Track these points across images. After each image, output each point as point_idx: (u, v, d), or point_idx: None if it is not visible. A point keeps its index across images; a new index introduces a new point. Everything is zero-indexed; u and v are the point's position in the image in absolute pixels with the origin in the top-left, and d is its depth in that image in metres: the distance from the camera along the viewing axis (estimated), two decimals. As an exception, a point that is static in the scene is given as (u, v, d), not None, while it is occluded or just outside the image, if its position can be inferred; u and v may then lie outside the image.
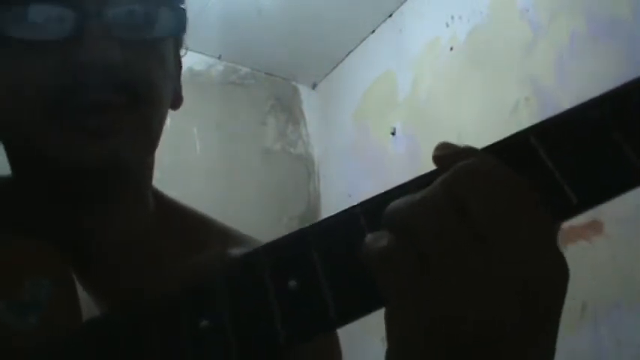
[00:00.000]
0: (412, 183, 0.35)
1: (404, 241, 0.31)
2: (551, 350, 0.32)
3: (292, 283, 0.34)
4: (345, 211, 0.35)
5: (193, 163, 2.26)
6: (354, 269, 0.33)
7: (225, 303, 0.35)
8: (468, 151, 0.34)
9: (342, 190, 2.36)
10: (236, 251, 0.59)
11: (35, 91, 0.47)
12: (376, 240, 0.32)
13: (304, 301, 0.33)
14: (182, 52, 0.60)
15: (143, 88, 0.50)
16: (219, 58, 2.45)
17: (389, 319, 0.32)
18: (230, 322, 0.34)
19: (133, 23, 0.49)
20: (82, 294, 0.43)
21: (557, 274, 0.31)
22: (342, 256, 0.34)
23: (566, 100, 1.55)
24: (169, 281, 0.54)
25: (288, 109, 2.59)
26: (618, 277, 1.32)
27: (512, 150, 0.33)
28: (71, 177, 0.49)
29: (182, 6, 0.54)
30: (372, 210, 0.34)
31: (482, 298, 0.30)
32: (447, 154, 0.34)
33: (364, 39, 2.41)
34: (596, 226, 1.38)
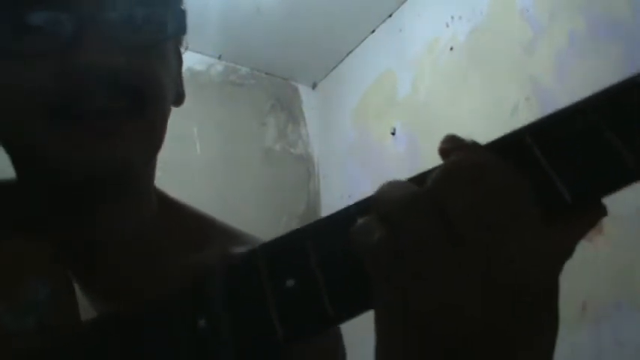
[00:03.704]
0: (411, 180, 0.35)
1: (389, 237, 0.31)
2: (547, 352, 0.32)
3: (290, 282, 0.34)
4: (342, 210, 0.35)
5: (193, 163, 2.26)
6: (351, 267, 0.33)
7: (222, 302, 0.35)
8: (471, 147, 0.34)
9: (342, 190, 2.36)
10: (240, 250, 0.60)
11: (36, 96, 0.47)
12: (366, 229, 0.32)
13: (302, 299, 0.33)
14: (182, 49, 0.60)
15: (146, 91, 0.50)
16: (219, 58, 2.45)
17: (377, 314, 0.32)
18: (228, 322, 0.34)
19: (133, 26, 0.49)
20: (80, 295, 0.43)
21: (545, 275, 0.31)
22: (339, 254, 0.34)
23: (566, 100, 1.54)
24: (172, 281, 0.54)
25: (288, 109, 2.59)
26: (618, 277, 1.32)
27: (507, 149, 0.33)
28: (73, 181, 0.49)
29: (182, 7, 0.54)
30: (369, 208, 0.34)
31: (459, 298, 0.30)
32: (451, 148, 0.34)
33: (364, 39, 2.41)
34: (596, 226, 1.37)
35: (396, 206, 0.32)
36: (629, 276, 1.32)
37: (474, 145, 0.34)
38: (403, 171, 2.04)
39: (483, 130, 1.83)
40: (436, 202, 0.31)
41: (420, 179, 0.34)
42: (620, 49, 1.46)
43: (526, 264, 0.30)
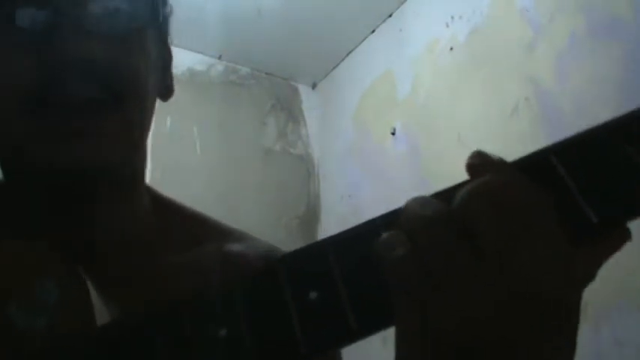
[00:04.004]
0: (436, 196, 0.35)
1: (414, 252, 0.32)
2: None
3: (312, 294, 0.34)
4: (366, 222, 0.35)
5: (193, 163, 2.26)
6: (375, 281, 0.33)
7: (244, 313, 0.35)
8: (498, 165, 0.34)
9: (342, 190, 2.36)
10: (234, 247, 0.59)
11: (12, 90, 0.47)
12: (392, 244, 0.33)
13: (324, 312, 0.33)
14: (169, 40, 0.59)
15: (124, 83, 0.49)
16: (219, 58, 2.45)
17: (397, 327, 0.33)
18: (249, 333, 0.34)
19: (110, 17, 0.49)
20: (93, 294, 0.43)
21: (567, 295, 0.31)
22: (362, 268, 0.33)
23: (566, 100, 1.55)
24: (168, 279, 0.54)
25: (288, 109, 2.59)
26: (618, 277, 1.32)
27: (532, 168, 0.33)
28: (56, 179, 0.49)
29: None
30: (393, 222, 0.34)
31: (479, 312, 0.30)
32: (478, 164, 0.34)
33: (364, 39, 2.41)
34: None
35: (423, 224, 0.32)
36: (629, 276, 1.32)
37: (502, 165, 0.34)
38: (403, 171, 2.05)
39: (483, 130, 1.83)
40: (463, 222, 0.32)
41: (444, 195, 0.34)
42: (620, 49, 1.46)
43: (549, 283, 0.30)
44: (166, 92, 0.58)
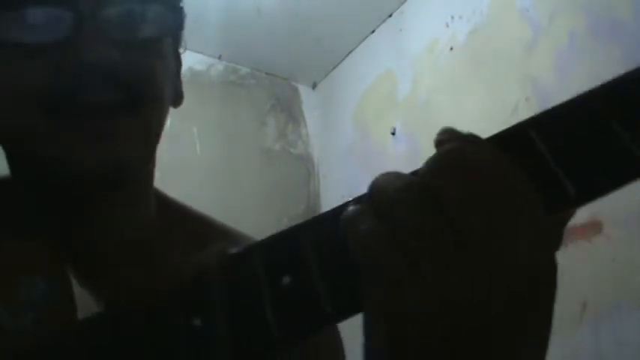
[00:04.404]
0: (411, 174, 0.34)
1: (380, 225, 0.30)
2: (542, 347, 0.31)
3: (286, 280, 0.33)
4: (339, 206, 0.34)
5: (193, 163, 2.26)
6: (349, 263, 0.32)
7: (218, 301, 0.34)
8: (467, 138, 0.33)
9: (342, 190, 2.36)
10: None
11: (32, 92, 0.47)
12: (356, 216, 0.31)
13: (299, 297, 0.33)
14: (181, 49, 0.60)
15: (143, 88, 0.50)
16: (219, 58, 2.45)
17: (364, 306, 0.31)
18: (224, 320, 0.34)
19: (130, 23, 0.49)
20: (80, 294, 0.43)
21: (543, 268, 0.30)
22: (336, 250, 0.33)
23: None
24: (170, 280, 0.54)
25: (288, 109, 2.59)
26: (618, 277, 1.32)
27: (510, 142, 0.32)
28: (70, 180, 0.49)
29: (179, 4, 0.54)
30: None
31: (460, 292, 0.28)
32: (447, 139, 0.33)
33: (364, 39, 2.41)
34: (595, 226, 1.37)
35: (389, 195, 0.31)
36: (629, 276, 1.32)
37: (469, 136, 0.33)
38: (403, 171, 2.05)
39: (483, 130, 1.82)
40: (429, 189, 0.30)
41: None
42: (620, 49, 1.46)
43: (527, 256, 0.29)
44: (176, 99, 0.58)
